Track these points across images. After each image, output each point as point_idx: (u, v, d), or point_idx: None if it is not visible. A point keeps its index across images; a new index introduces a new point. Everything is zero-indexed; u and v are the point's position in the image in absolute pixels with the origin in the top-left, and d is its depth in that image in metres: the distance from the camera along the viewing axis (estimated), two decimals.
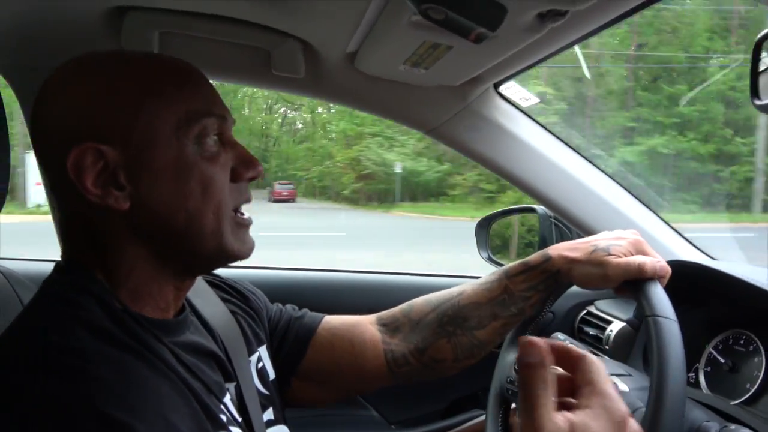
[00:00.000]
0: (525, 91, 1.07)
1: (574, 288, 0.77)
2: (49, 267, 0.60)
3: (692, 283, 0.94)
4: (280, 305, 0.84)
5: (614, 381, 0.75)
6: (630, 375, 0.79)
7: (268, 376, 0.74)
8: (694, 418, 0.72)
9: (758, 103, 0.72)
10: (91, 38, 0.91)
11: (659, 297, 0.66)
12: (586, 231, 1.12)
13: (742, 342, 0.90)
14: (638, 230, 0.78)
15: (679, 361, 0.60)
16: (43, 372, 0.46)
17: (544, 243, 1.30)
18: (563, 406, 0.44)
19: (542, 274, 0.75)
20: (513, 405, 0.83)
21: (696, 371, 0.94)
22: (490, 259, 1.45)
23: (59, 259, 0.61)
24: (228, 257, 0.61)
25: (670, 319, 0.63)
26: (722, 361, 0.90)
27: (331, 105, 17.50)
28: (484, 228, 1.47)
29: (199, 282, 0.72)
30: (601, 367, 0.46)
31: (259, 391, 0.70)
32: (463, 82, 1.00)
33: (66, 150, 0.53)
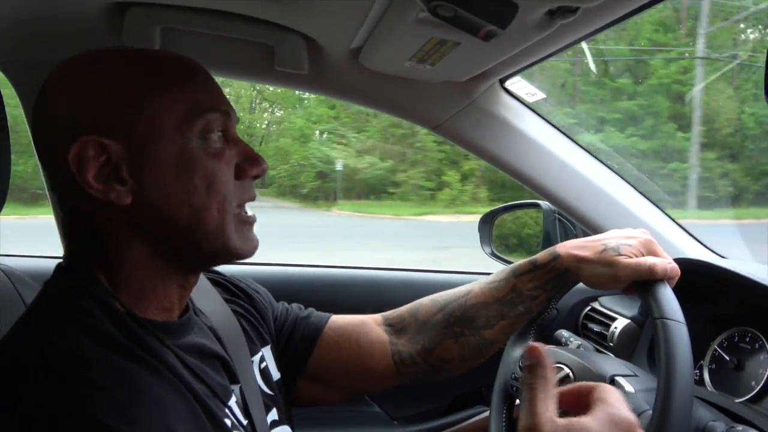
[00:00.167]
0: (531, 86, 1.06)
1: (579, 285, 0.77)
2: (51, 264, 0.59)
3: (698, 281, 0.93)
4: (285, 304, 0.83)
5: (620, 382, 0.75)
6: (636, 375, 0.79)
7: (272, 377, 0.73)
8: (700, 417, 0.71)
9: None
10: (92, 34, 0.90)
11: (668, 299, 0.65)
12: (592, 228, 1.12)
13: (747, 339, 0.90)
14: (646, 227, 0.78)
15: (686, 365, 0.60)
16: (43, 380, 0.46)
17: (548, 239, 1.30)
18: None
19: (550, 272, 0.75)
20: (517, 401, 0.83)
21: (701, 369, 0.93)
22: (493, 255, 1.44)
23: (60, 255, 0.61)
24: (231, 255, 0.61)
25: (678, 322, 0.63)
26: (727, 358, 0.90)
27: (297, 104, 17.52)
28: (487, 223, 1.47)
29: (202, 280, 0.71)
30: (614, 390, 0.50)
31: (262, 392, 0.69)
32: (468, 78, 0.98)
33: (68, 144, 0.53)
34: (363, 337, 0.80)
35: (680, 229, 1.16)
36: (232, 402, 0.61)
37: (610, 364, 0.83)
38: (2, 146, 0.67)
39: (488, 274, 0.83)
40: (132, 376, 0.49)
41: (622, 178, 1.15)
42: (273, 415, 0.69)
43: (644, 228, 0.77)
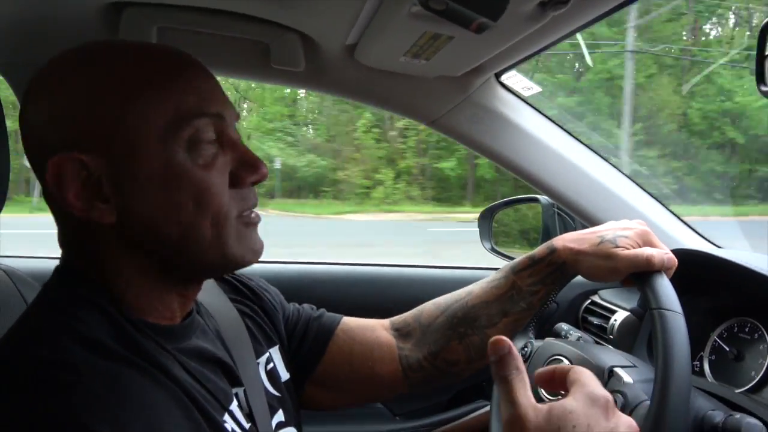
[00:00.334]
0: (527, 80, 1.06)
1: (578, 278, 0.77)
2: (53, 265, 0.58)
3: (697, 272, 0.93)
4: (296, 305, 0.82)
5: (619, 373, 0.75)
6: (635, 366, 0.79)
7: (279, 378, 0.72)
8: (699, 406, 0.71)
9: (764, 89, 0.71)
10: (90, 34, 0.90)
11: (666, 290, 0.65)
12: (590, 221, 1.12)
13: (747, 330, 0.90)
14: (643, 219, 0.78)
15: (684, 355, 0.60)
16: (31, 387, 0.44)
17: (547, 233, 1.30)
18: None
19: (548, 266, 0.75)
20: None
21: (701, 360, 0.93)
22: (493, 250, 1.44)
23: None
24: (233, 266, 0.58)
25: (675, 312, 0.63)
26: (727, 349, 0.90)
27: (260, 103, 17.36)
28: (486, 219, 1.47)
29: (208, 279, 0.69)
30: (586, 371, 0.53)
31: (268, 393, 0.68)
32: (464, 73, 0.99)
33: (45, 160, 0.50)
34: (373, 341, 0.79)
35: (678, 221, 1.16)
36: (234, 406, 0.59)
37: (608, 355, 0.83)
38: (1, 147, 0.67)
39: (487, 269, 0.83)
40: (124, 383, 0.47)
41: (619, 170, 1.15)
42: (279, 416, 0.68)
43: (642, 220, 0.77)
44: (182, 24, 0.90)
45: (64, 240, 0.57)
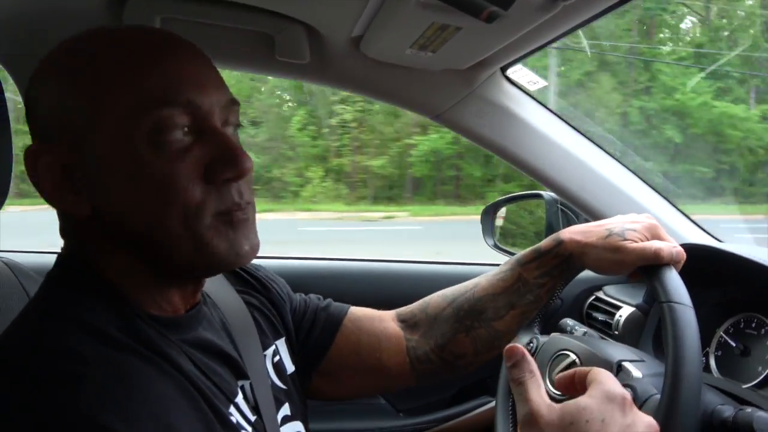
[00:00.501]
0: (533, 74, 1.05)
1: (582, 274, 0.76)
2: (55, 259, 0.58)
3: (704, 266, 0.93)
4: (303, 295, 0.81)
5: (627, 367, 0.75)
6: (643, 361, 0.78)
7: (285, 370, 0.71)
8: (708, 401, 0.71)
9: None
10: (92, 25, 0.89)
11: (675, 283, 0.65)
12: (595, 217, 1.11)
13: (753, 325, 0.89)
14: (648, 214, 0.77)
15: (695, 347, 0.60)
16: (37, 378, 0.44)
17: (551, 229, 1.29)
18: None
19: (554, 259, 0.74)
20: None
21: (707, 355, 0.93)
22: (496, 246, 1.44)
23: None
24: (218, 266, 0.54)
25: (685, 306, 0.62)
26: (733, 344, 0.90)
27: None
28: (489, 215, 1.46)
29: None
30: (604, 371, 0.54)
31: (275, 386, 0.67)
32: (470, 66, 0.98)
33: (27, 150, 0.51)
34: (381, 331, 0.79)
35: (683, 216, 1.16)
36: (239, 399, 0.59)
37: (616, 349, 0.82)
38: (4, 142, 0.66)
39: (494, 265, 0.82)
40: (130, 373, 0.46)
41: (625, 166, 1.15)
42: (285, 410, 0.67)
43: (647, 214, 0.76)
44: (186, 15, 0.89)
45: (62, 229, 0.57)
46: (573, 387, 0.56)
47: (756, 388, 0.83)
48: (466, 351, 0.77)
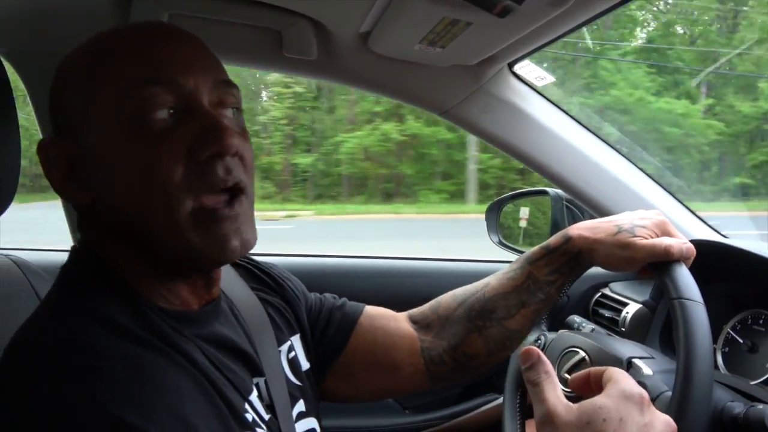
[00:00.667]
0: (540, 70, 1.05)
1: (589, 270, 0.76)
2: (65, 257, 0.58)
3: (712, 262, 0.92)
4: (318, 294, 0.81)
5: (637, 364, 0.75)
6: (652, 358, 0.78)
7: (300, 367, 0.71)
8: (718, 398, 0.71)
9: None
10: (100, 22, 0.89)
11: (686, 279, 0.65)
12: (601, 213, 1.11)
13: (761, 321, 0.89)
14: (657, 211, 0.77)
15: (706, 345, 0.60)
16: (54, 372, 0.44)
17: (556, 226, 1.29)
18: None
19: (563, 255, 0.74)
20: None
21: (714, 352, 0.93)
22: (501, 243, 1.44)
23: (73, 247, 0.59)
24: (202, 261, 0.53)
25: (697, 302, 0.62)
26: (741, 341, 0.90)
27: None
28: (494, 212, 1.46)
29: (226, 266, 0.68)
30: (620, 370, 0.53)
31: (290, 383, 0.67)
32: (478, 62, 0.98)
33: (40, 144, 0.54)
34: (395, 331, 0.78)
35: (690, 213, 1.16)
36: (254, 396, 0.58)
37: (625, 346, 0.82)
38: (12, 140, 0.66)
39: (502, 262, 0.82)
40: (146, 366, 0.47)
41: (632, 162, 1.15)
42: (299, 407, 0.67)
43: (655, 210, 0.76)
44: (193, 11, 0.89)
45: (77, 222, 0.58)
46: (588, 387, 0.55)
47: (764, 384, 0.83)
48: (478, 351, 0.76)
